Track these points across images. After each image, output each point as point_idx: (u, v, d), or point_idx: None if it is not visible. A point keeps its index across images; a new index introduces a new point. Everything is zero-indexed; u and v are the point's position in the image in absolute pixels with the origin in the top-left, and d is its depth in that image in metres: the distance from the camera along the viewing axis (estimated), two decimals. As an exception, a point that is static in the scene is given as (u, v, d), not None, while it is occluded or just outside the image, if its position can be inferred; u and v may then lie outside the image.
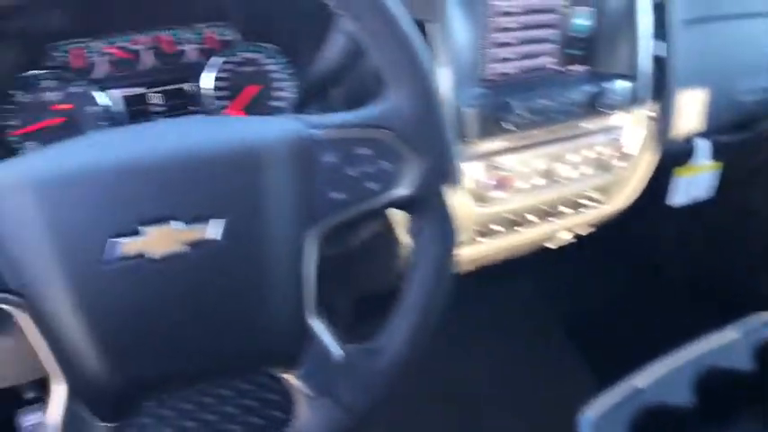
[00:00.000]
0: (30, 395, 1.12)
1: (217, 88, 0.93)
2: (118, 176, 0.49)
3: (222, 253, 0.51)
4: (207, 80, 0.92)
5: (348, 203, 0.55)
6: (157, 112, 0.92)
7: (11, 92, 0.84)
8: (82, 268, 0.48)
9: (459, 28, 0.87)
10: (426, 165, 0.57)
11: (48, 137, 0.87)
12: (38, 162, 0.51)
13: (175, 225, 0.49)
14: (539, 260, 1.23)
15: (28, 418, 1.10)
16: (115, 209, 0.48)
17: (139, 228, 0.49)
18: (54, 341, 0.49)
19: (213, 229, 0.50)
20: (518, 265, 1.17)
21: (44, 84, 0.86)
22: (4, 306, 0.48)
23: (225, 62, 0.93)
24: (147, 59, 0.90)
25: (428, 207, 0.58)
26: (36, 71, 0.85)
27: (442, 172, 0.58)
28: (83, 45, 0.87)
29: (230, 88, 0.94)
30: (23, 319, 0.49)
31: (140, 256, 0.49)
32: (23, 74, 0.85)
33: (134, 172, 0.49)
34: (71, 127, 0.87)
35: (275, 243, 0.53)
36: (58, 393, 0.51)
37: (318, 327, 0.57)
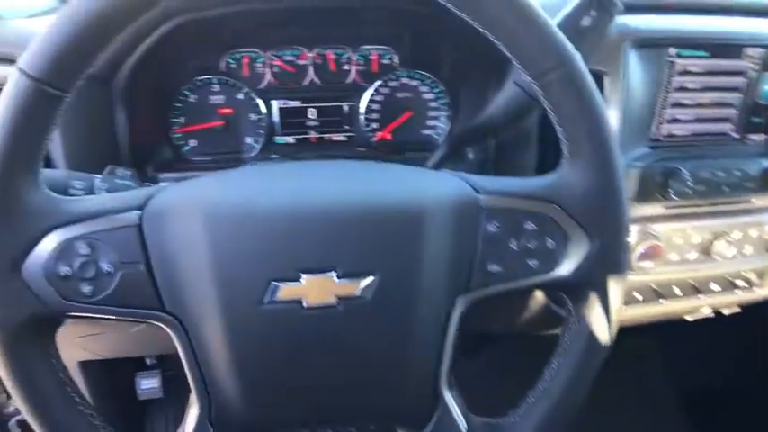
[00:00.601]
0: (151, 362, 1.19)
1: (371, 110, 0.93)
2: (288, 220, 0.49)
3: (370, 310, 0.50)
4: (365, 101, 0.93)
5: (505, 278, 0.53)
6: (310, 127, 0.93)
7: (185, 92, 0.89)
8: (239, 304, 0.49)
9: (636, 83, 0.81)
10: (595, 249, 0.53)
11: (207, 137, 0.91)
12: (212, 189, 0.52)
13: (334, 277, 0.49)
14: (669, 327, 1.14)
15: (144, 382, 1.17)
16: (282, 252, 0.49)
17: (301, 275, 0.49)
18: (199, 365, 0.50)
19: (366, 286, 0.50)
20: (647, 329, 1.09)
21: (213, 88, 0.89)
22: (156, 323, 0.50)
23: (382, 85, 0.93)
24: (310, 75, 0.92)
25: (589, 295, 0.54)
26: (209, 76, 0.89)
27: (610, 260, 0.53)
28: (254, 55, 0.90)
29: (384, 111, 0.94)
30: (175, 337, 0.50)
31: (296, 302, 0.49)
32: (198, 77, 0.89)
33: (304, 217, 0.49)
34: (229, 131, 0.91)
35: (424, 307, 0.51)
36: (194, 412, 0.52)
37: (449, 397, 0.55)
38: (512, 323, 0.97)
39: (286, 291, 0.49)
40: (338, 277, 0.49)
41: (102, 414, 0.52)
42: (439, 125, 0.95)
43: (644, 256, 0.86)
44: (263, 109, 0.91)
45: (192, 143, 0.91)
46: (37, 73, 0.44)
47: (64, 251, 0.47)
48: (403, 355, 0.52)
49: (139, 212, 0.49)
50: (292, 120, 0.92)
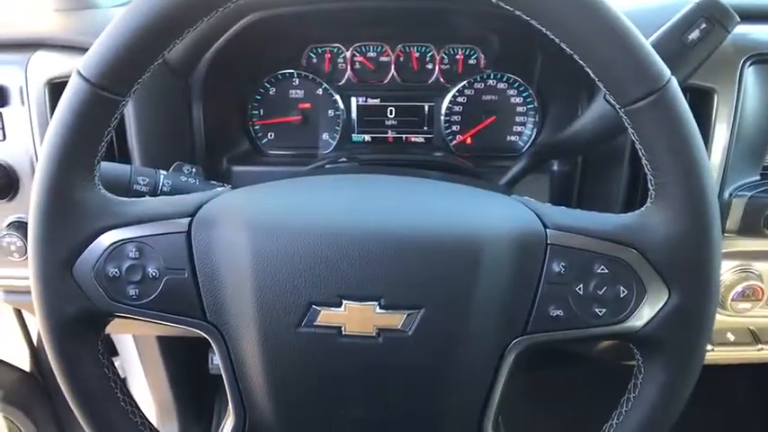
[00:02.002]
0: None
1: (452, 112, 0.89)
2: (335, 240, 0.47)
3: (412, 345, 0.47)
4: (446, 102, 0.89)
5: (567, 325, 0.48)
6: (388, 126, 0.90)
7: (265, 85, 0.88)
8: (278, 324, 0.47)
9: (752, 102, 0.72)
10: (673, 305, 0.47)
11: (285, 131, 0.91)
12: (260, 200, 0.50)
13: (376, 307, 0.46)
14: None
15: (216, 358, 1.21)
16: (325, 275, 0.47)
17: (343, 301, 0.46)
18: (236, 378, 0.50)
19: (409, 319, 0.47)
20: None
21: (293, 82, 0.88)
22: (197, 331, 0.49)
23: (466, 86, 0.88)
24: (391, 73, 0.88)
25: (665, 354, 0.48)
26: (290, 70, 0.88)
27: (691, 320, 0.47)
28: (335, 50, 0.88)
29: (466, 114, 0.89)
30: (215, 347, 0.50)
31: (335, 328, 0.47)
32: (279, 71, 0.88)
33: (352, 240, 0.47)
34: (307, 126, 0.90)
35: (472, 347, 0.48)
36: (230, 423, 0.52)
37: None
38: (592, 347, 0.90)
39: (325, 316, 0.47)
40: (381, 307, 0.46)
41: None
42: (525, 132, 0.90)
43: (741, 297, 0.77)
44: (342, 105, 0.89)
45: (270, 136, 0.91)
46: (93, 77, 0.44)
47: (114, 253, 0.48)
48: (444, 395, 0.49)
49: (189, 219, 0.48)
50: (370, 118, 0.90)
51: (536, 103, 0.88)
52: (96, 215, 0.48)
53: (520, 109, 0.89)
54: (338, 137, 0.90)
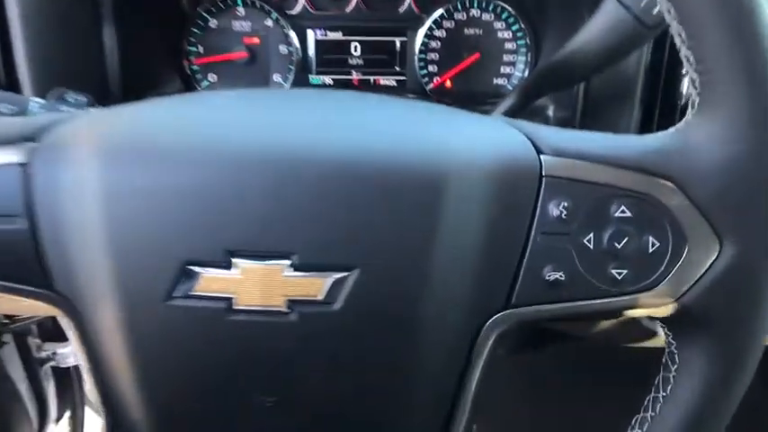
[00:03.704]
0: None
1: (429, 49, 0.75)
2: (226, 172, 0.32)
3: (340, 324, 0.33)
4: (421, 37, 0.75)
5: (569, 294, 0.33)
6: (353, 66, 0.76)
7: (203, 15, 0.73)
8: (141, 296, 0.33)
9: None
10: (727, 262, 0.32)
11: (229, 71, 0.76)
12: (128, 120, 0.36)
13: (286, 267, 0.32)
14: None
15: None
16: (207, 220, 0.32)
17: (233, 259, 0.32)
18: (99, 370, 0.36)
19: (335, 286, 0.32)
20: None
21: (238, 12, 0.74)
22: (43, 304, 0.35)
23: (444, 17, 0.74)
24: (355, 1, 0.74)
25: (713, 335, 0.34)
26: (233, -6, 0.73)
27: (759, 281, 0.33)
28: (288, -28, 0.73)
29: (445, 51, 0.76)
30: (66, 324, 0.36)
31: (223, 299, 0.32)
32: (219, -2, 0.73)
33: (250, 171, 0.32)
34: (255, 65, 0.76)
35: (431, 326, 0.33)
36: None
37: None
38: (592, 328, 0.77)
39: (208, 281, 0.32)
40: (293, 268, 0.32)
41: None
42: (514, 73, 0.76)
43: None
44: (296, 40, 0.75)
45: (212, 78, 0.77)
46: None
47: None
48: (390, 396, 0.35)
49: (32, 145, 0.34)
50: (331, 56, 0.76)
51: (528, 39, 0.75)
52: None
53: (509, 45, 0.76)
54: (292, 78, 0.76)
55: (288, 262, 0.32)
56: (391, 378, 0.34)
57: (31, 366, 0.96)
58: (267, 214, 0.32)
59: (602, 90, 0.64)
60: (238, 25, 0.75)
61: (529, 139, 0.34)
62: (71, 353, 1.11)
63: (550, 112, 0.71)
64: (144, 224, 0.32)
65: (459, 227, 0.33)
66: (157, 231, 0.32)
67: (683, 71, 0.60)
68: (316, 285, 0.32)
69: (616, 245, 0.33)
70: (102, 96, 0.65)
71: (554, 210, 0.33)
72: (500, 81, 0.76)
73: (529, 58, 0.75)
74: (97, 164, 0.33)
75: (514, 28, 0.74)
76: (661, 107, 0.62)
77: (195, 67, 0.76)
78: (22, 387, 0.93)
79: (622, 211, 0.33)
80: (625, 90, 0.62)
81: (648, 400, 0.37)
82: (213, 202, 0.32)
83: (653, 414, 0.36)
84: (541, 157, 0.34)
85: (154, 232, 0.32)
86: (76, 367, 0.98)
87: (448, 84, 0.76)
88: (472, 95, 0.76)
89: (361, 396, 0.35)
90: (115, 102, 0.65)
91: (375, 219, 0.32)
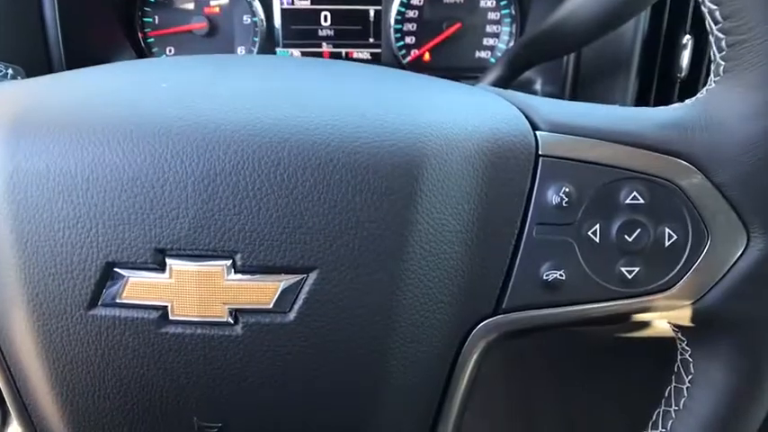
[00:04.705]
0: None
1: (405, 18, 0.70)
2: (157, 152, 0.27)
3: (293, 338, 0.28)
4: (396, 5, 0.69)
5: (570, 297, 0.29)
6: (323, 38, 0.70)
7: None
8: (59, 304, 0.27)
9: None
10: (757, 256, 0.28)
11: (187, 44, 0.71)
12: (46, 91, 0.30)
13: (227, 269, 0.26)
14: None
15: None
16: (135, 212, 0.27)
17: (167, 260, 0.26)
18: (12, 382, 0.30)
19: (288, 292, 0.27)
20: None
21: (195, -24, 0.68)
22: None
23: (424, -16, 0.68)
24: (325, -36, 0.68)
25: (736, 342, 0.29)
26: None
27: None
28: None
29: (423, 21, 0.70)
30: None
31: (155, 308, 0.27)
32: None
33: (185, 151, 0.27)
34: (216, 37, 0.70)
35: (405, 338, 0.28)
36: None
37: None
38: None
39: (136, 287, 0.27)
40: (236, 270, 0.26)
41: None
42: (498, 46, 0.71)
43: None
44: (260, 9, 0.69)
45: (170, 51, 0.70)
46: None
47: None
48: (354, 420, 0.30)
49: None
50: (299, 26, 0.71)
51: (512, 9, 0.70)
52: None
53: (492, 15, 0.71)
54: (257, 51, 0.70)
55: (229, 262, 0.26)
56: (357, 401, 0.29)
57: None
58: (204, 204, 0.26)
59: (594, 62, 0.59)
60: None
61: (522, 112, 0.29)
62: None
63: (538, 86, 0.66)
64: (57, 216, 0.27)
65: (440, 218, 0.27)
66: (73, 225, 0.26)
67: (684, 41, 0.55)
68: (264, 291, 0.27)
69: (626, 238, 0.28)
70: (45, 73, 0.59)
71: (553, 196, 0.28)
72: (483, 54, 0.71)
73: (513, 30, 0.70)
74: None
75: (499, -4, 0.69)
76: (658, 82, 0.58)
77: (150, 40, 0.70)
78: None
79: (634, 198, 0.28)
80: (620, 62, 0.57)
81: (658, 414, 0.32)
82: (140, 190, 0.26)
83: (663, 431, 0.31)
84: (537, 133, 0.29)
85: (69, 226, 0.27)
86: None
87: (426, 57, 0.71)
88: (453, 70, 0.71)
89: (319, 422, 0.29)
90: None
91: (337, 209, 0.26)
